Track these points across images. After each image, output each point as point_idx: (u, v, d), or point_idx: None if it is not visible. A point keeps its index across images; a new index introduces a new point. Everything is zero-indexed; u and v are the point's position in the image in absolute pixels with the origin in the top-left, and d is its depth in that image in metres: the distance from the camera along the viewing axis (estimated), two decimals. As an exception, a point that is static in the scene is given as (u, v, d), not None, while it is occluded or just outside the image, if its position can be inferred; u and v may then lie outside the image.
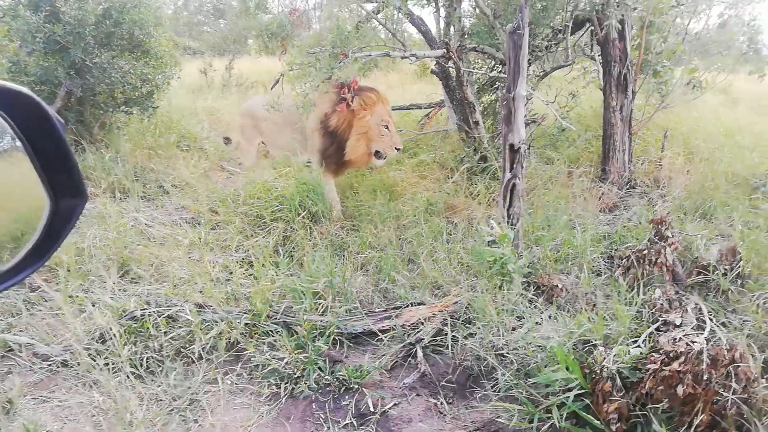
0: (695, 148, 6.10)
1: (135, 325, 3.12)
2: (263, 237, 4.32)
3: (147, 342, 3.05)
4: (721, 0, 7.57)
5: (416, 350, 3.10)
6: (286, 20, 6.33)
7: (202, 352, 3.07)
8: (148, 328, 3.07)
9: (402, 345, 3.15)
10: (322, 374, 2.92)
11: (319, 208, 4.64)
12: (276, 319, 3.30)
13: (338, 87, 4.97)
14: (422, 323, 3.29)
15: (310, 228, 4.46)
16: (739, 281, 3.47)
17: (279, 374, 2.93)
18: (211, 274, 3.77)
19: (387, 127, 4.89)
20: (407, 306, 3.46)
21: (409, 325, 3.30)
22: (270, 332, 3.23)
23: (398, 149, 5.03)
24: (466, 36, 5.42)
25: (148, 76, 6.09)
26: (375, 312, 3.44)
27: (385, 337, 3.22)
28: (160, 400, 2.74)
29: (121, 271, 3.84)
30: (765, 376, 2.60)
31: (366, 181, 5.49)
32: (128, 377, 2.77)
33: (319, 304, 3.47)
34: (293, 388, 2.86)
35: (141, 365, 2.92)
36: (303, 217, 4.50)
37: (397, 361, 3.08)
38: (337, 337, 3.24)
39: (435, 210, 4.89)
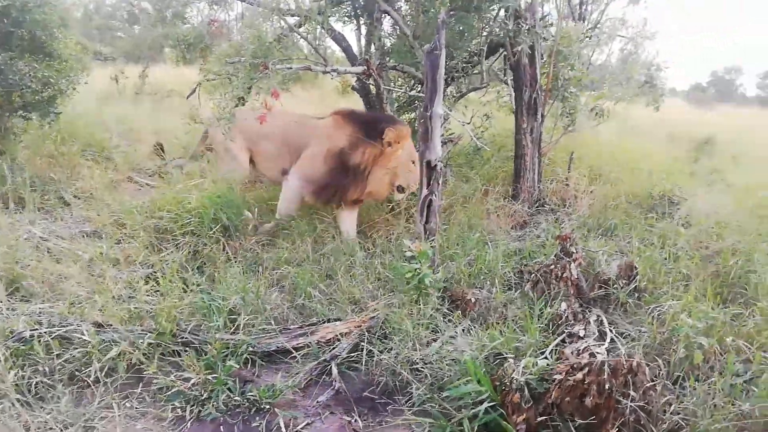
0: (599, 170, 6.49)
1: (23, 348, 2.85)
2: (171, 252, 4.12)
3: (37, 366, 2.79)
4: (621, 36, 8.20)
5: (331, 367, 3.04)
6: (204, 30, 6.15)
7: (99, 375, 2.85)
8: (38, 351, 2.81)
9: (317, 362, 3.08)
10: (232, 395, 2.80)
11: (233, 221, 4.48)
12: (183, 338, 3.13)
13: (345, 119, 4.81)
14: (338, 339, 3.25)
15: (224, 243, 4.30)
16: (636, 295, 3.70)
17: (185, 396, 2.77)
18: (113, 291, 3.53)
19: (414, 162, 4.70)
20: (323, 322, 3.40)
21: (324, 342, 3.25)
22: (176, 352, 3.07)
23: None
24: (386, 54, 5.50)
25: (51, 79, 5.67)
26: (290, 329, 3.36)
27: (300, 355, 3.15)
28: (50, 428, 2.51)
29: (10, 288, 3.52)
30: (660, 384, 2.78)
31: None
32: (13, 405, 2.52)
33: (232, 321, 3.34)
34: (200, 411, 2.71)
35: (29, 391, 2.67)
36: (215, 231, 4.33)
37: (311, 379, 3.01)
38: (249, 356, 3.12)
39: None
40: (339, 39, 5.79)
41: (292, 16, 5.18)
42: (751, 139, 10.87)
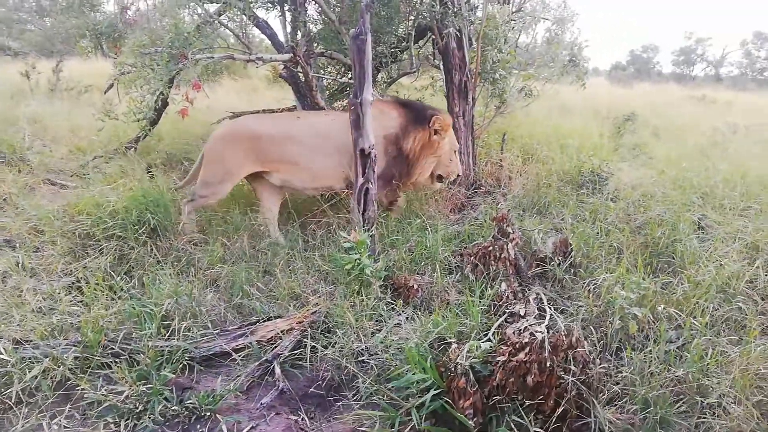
0: (531, 150, 6.63)
1: (-73, 374, 2.58)
2: (95, 258, 3.86)
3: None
4: (544, 18, 8.38)
5: (274, 367, 2.94)
6: (117, 19, 5.78)
7: (21, 395, 2.63)
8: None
9: (258, 363, 2.96)
10: (169, 405, 2.64)
11: (161, 221, 4.25)
12: (113, 348, 2.94)
13: (390, 105, 4.58)
14: (280, 337, 3.14)
15: (152, 244, 4.07)
16: (572, 270, 3.80)
17: (118, 410, 2.60)
18: (32, 304, 3.27)
19: (455, 152, 4.71)
20: (264, 321, 3.28)
21: (266, 341, 3.13)
22: (106, 364, 2.87)
23: (459, 175, 4.84)
24: (313, 41, 5.36)
25: (-53, 77, 5.19)
26: (228, 330, 3.22)
27: (240, 357, 3.02)
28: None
29: None
30: (599, 356, 2.86)
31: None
32: None
33: (165, 327, 3.16)
34: (135, 425, 2.55)
35: (-63, 422, 2.43)
36: (142, 233, 4.09)
37: (253, 381, 2.89)
38: (186, 363, 2.97)
39: (292, 218, 4.74)
40: (263, 26, 5.59)
41: (212, 2, 4.94)
42: (668, 113, 11.47)
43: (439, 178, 4.74)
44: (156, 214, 4.25)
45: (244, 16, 5.50)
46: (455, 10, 5.31)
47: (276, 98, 8.07)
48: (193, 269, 3.85)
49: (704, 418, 2.52)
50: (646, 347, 2.84)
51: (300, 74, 5.20)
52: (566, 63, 7.15)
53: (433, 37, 5.73)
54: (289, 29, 5.91)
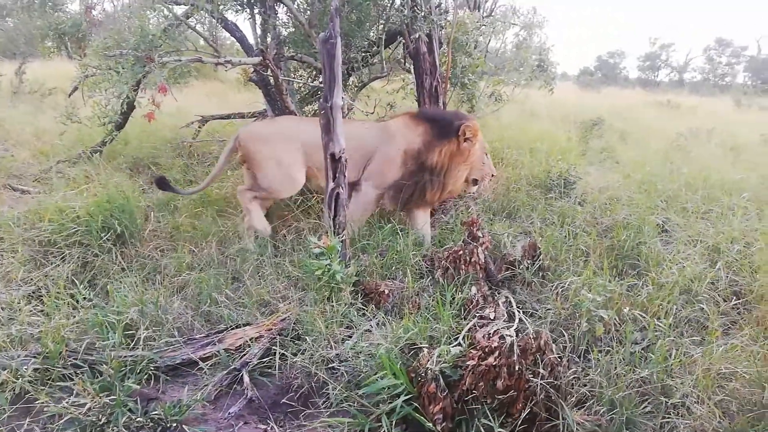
0: (501, 154, 6.70)
1: None
2: (57, 266, 3.75)
3: None
4: (513, 23, 8.52)
5: (242, 375, 2.89)
6: (81, 19, 5.63)
7: (-22, 411, 2.54)
8: None
9: (227, 372, 2.91)
10: (133, 416, 2.57)
11: (127, 227, 4.15)
12: (74, 359, 2.85)
13: (415, 119, 4.56)
14: (249, 345, 3.09)
15: (116, 252, 3.97)
16: (541, 273, 3.84)
17: (80, 423, 2.52)
18: (-11, 315, 3.15)
19: (486, 155, 4.68)
20: (232, 328, 3.23)
21: (234, 349, 3.08)
22: (68, 376, 2.79)
23: (493, 176, 4.79)
24: (283, 44, 5.32)
25: None
26: (195, 339, 3.16)
27: (208, 366, 2.96)
28: None
29: None
30: (567, 359, 2.89)
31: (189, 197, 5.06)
32: None
33: (130, 337, 3.09)
34: (98, 438, 2.48)
35: None
36: (107, 240, 3.99)
37: (221, 390, 2.84)
38: (151, 373, 2.89)
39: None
40: (232, 29, 5.53)
41: (178, 4, 4.86)
42: (635, 118, 11.75)
43: (474, 181, 4.75)
44: (121, 220, 4.15)
45: (212, 18, 5.43)
46: (425, 14, 5.35)
47: (246, 102, 7.96)
48: (159, 276, 3.78)
49: (668, 418, 2.57)
50: (613, 349, 2.89)
51: (270, 78, 5.15)
52: (535, 68, 7.26)
53: (404, 41, 5.76)
54: (259, 32, 5.86)
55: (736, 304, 3.55)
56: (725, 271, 3.73)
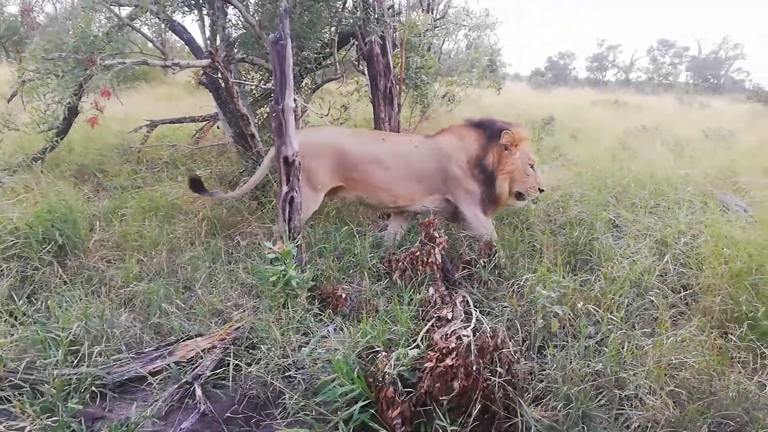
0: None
1: None
2: (-7, 281, 3.54)
3: None
4: (464, 24, 8.61)
5: (194, 388, 2.79)
6: (17, 21, 5.36)
7: None
8: None
9: (177, 385, 2.80)
10: (78, 438, 2.45)
11: (69, 238, 3.96)
12: (13, 380, 2.69)
13: (466, 128, 4.44)
14: (201, 356, 2.99)
15: (59, 264, 3.78)
16: (497, 271, 3.87)
17: (19, 448, 2.38)
18: None
19: (532, 167, 4.35)
20: (183, 340, 3.11)
21: (185, 362, 2.96)
22: (6, 398, 2.62)
23: (542, 190, 4.42)
24: (233, 46, 5.20)
25: None
26: (144, 352, 3.02)
27: (158, 380, 2.84)
28: None
29: None
30: (524, 355, 2.91)
31: (135, 202, 4.88)
32: None
33: (73, 353, 2.93)
34: (39, 463, 2.34)
35: None
36: (48, 252, 3.80)
37: (172, 405, 2.72)
38: (97, 390, 2.75)
39: (215, 230, 4.56)
40: (180, 31, 5.38)
41: (122, 5, 4.69)
42: (584, 117, 12.07)
43: (519, 195, 4.41)
44: (64, 231, 3.96)
45: (158, 19, 5.26)
46: (377, 16, 5.32)
47: (197, 105, 7.78)
48: (105, 289, 3.61)
49: (623, 409, 2.61)
50: (568, 344, 2.92)
51: (221, 80, 5.03)
52: (485, 68, 7.35)
53: (357, 43, 5.73)
54: (207, 34, 5.72)
55: (683, 296, 3.66)
56: (673, 263, 3.83)
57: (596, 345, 2.94)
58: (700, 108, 17.99)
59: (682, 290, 3.71)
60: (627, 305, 3.29)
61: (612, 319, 3.06)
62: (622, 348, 2.88)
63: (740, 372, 2.77)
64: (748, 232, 3.91)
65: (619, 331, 3.00)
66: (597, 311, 3.19)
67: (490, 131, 4.34)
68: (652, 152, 6.91)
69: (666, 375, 2.77)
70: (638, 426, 2.53)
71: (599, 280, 3.56)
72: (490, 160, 4.31)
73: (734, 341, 2.97)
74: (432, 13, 8.15)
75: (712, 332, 3.06)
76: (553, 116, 9.29)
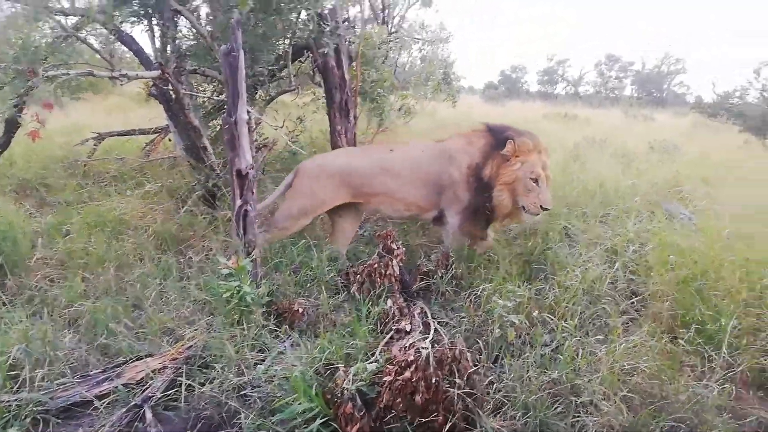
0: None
1: None
2: None
3: None
4: (419, 38, 8.74)
5: (144, 411, 2.67)
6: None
7: None
8: None
9: (126, 409, 2.68)
10: (17, 469, 2.31)
11: (9, 257, 3.76)
12: (-56, 410, 2.52)
13: (479, 134, 4.33)
14: (151, 377, 2.87)
15: (-4, 284, 3.59)
16: (454, 282, 3.89)
17: (-49, 484, 2.22)
18: None
19: (536, 182, 4.05)
20: (132, 361, 2.99)
21: (135, 383, 2.85)
22: (-63, 430, 2.45)
23: (546, 209, 4.08)
24: (184, 57, 5.09)
25: None
26: (90, 375, 2.89)
27: (105, 404, 2.71)
28: None
29: None
30: (482, 366, 2.92)
31: (80, 218, 4.68)
32: None
33: (13, 378, 2.77)
34: (-27, 499, 2.19)
35: None
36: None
37: (121, 430, 2.61)
38: (39, 416, 2.61)
39: (166, 245, 4.42)
40: (129, 41, 5.23)
41: (67, 15, 4.53)
42: (536, 129, 12.33)
43: (525, 209, 4.15)
44: (3, 249, 3.76)
45: (105, 29, 5.10)
46: (332, 29, 5.33)
47: (147, 117, 7.57)
48: (48, 309, 3.43)
49: (579, 416, 2.65)
50: (524, 353, 2.96)
51: (172, 92, 4.90)
52: (440, 81, 7.46)
53: (312, 55, 5.71)
54: (158, 44, 5.58)
55: (634, 302, 3.76)
56: (623, 271, 3.94)
57: (552, 353, 2.98)
58: (645, 121, 18.72)
59: (633, 296, 3.82)
60: (580, 313, 3.35)
61: (566, 327, 3.12)
62: (577, 355, 2.94)
63: (689, 375, 2.86)
64: (692, 240, 4.06)
65: (574, 338, 3.06)
66: (552, 319, 3.25)
67: (496, 139, 4.22)
68: (601, 164, 7.12)
69: (619, 380, 2.83)
70: (594, 432, 2.57)
71: (553, 289, 3.63)
72: (488, 170, 4.17)
73: (683, 346, 3.07)
74: (387, 26, 8.22)
75: (662, 337, 3.15)
76: (505, 128, 9.46)
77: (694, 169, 7.25)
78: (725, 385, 2.76)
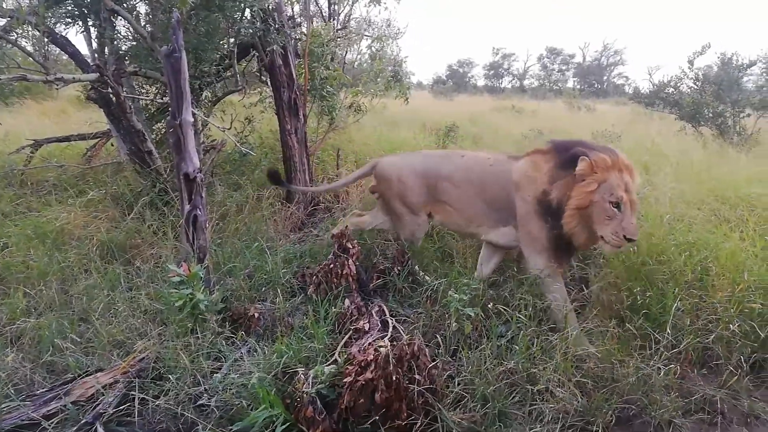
0: (365, 163, 6.77)
1: None
2: None
3: None
4: (366, 35, 8.72)
5: (96, 429, 2.57)
6: None
7: None
8: None
9: (77, 427, 2.57)
10: (-42, 501, 2.18)
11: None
12: None
13: (544, 154, 3.66)
14: (102, 393, 2.76)
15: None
16: (411, 278, 3.92)
17: None
18: None
19: (618, 206, 3.24)
20: (80, 377, 2.86)
21: (85, 400, 2.73)
22: None
23: (630, 240, 3.21)
24: (123, 58, 4.91)
25: None
26: (36, 394, 2.75)
27: (53, 424, 2.59)
28: None
29: None
30: (441, 360, 2.95)
31: (18, 230, 4.44)
32: None
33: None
34: None
35: None
36: None
37: (72, 450, 2.50)
38: (-19, 442, 2.47)
39: (113, 254, 4.26)
40: (63, 44, 5.00)
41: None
42: (485, 122, 12.60)
43: (603, 239, 3.33)
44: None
45: (37, 31, 4.86)
46: (278, 26, 5.25)
47: (87, 121, 7.25)
48: (-14, 328, 3.26)
49: (535, 404, 2.72)
50: (481, 345, 3.00)
51: (112, 95, 4.72)
52: (390, 78, 7.47)
53: (258, 54, 5.61)
54: (95, 46, 5.36)
55: (583, 288, 3.88)
56: (574, 259, 4.06)
57: (507, 343, 3.04)
58: (588, 111, 19.38)
59: (581, 286, 3.93)
60: (534, 303, 3.43)
61: (521, 317, 3.18)
62: (532, 344, 3.00)
63: (637, 358, 2.97)
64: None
65: (529, 328, 3.13)
66: (506, 311, 3.31)
67: (563, 157, 3.51)
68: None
69: (573, 367, 2.91)
70: (551, 418, 2.63)
71: (508, 281, 3.70)
72: (555, 194, 3.48)
73: (631, 330, 3.18)
74: (334, 23, 8.17)
75: (610, 323, 3.26)
76: (456, 123, 9.57)
77: (633, 156, 7.53)
78: (670, 365, 2.88)
